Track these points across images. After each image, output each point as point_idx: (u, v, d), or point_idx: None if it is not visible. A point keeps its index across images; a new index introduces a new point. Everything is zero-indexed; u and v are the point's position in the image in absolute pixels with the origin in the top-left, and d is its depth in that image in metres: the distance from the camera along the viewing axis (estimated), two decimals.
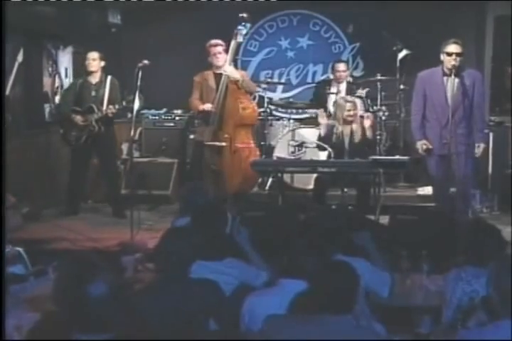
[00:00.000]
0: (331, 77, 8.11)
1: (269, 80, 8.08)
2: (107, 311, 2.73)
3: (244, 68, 8.70)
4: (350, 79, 7.88)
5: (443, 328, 3.26)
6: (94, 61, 6.73)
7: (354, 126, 6.42)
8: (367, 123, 6.44)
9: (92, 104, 6.71)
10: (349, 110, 6.38)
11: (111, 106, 6.64)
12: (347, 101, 6.50)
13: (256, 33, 8.83)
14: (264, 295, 3.23)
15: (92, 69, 6.75)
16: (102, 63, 6.77)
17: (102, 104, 6.72)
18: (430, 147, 5.78)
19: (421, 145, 5.82)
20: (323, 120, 6.71)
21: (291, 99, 8.17)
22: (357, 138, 6.41)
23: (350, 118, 6.37)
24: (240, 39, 6.49)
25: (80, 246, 5.47)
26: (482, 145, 5.81)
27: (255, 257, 3.88)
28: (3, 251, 4.16)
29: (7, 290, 3.35)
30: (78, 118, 6.70)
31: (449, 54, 5.62)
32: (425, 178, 6.64)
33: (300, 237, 3.80)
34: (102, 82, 6.77)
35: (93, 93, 6.77)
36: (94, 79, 6.79)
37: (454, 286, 3.32)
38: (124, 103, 6.56)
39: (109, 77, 6.79)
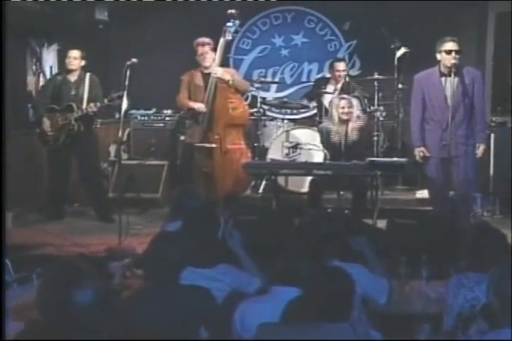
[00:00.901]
0: (327, 75, 8.12)
1: (262, 79, 8.09)
2: (94, 319, 2.73)
3: (236, 67, 8.73)
4: (346, 78, 7.88)
5: (443, 336, 3.27)
6: (75, 60, 6.73)
7: (350, 126, 6.43)
8: (359, 123, 6.46)
9: (72, 103, 6.70)
10: (343, 108, 6.39)
11: (91, 104, 6.63)
12: (341, 98, 6.52)
13: (249, 30, 8.85)
14: (256, 302, 3.23)
15: (71, 67, 6.75)
16: (83, 62, 6.76)
17: (81, 102, 6.71)
18: (428, 155, 5.79)
19: (418, 152, 5.83)
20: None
21: (285, 99, 8.18)
22: (352, 139, 6.41)
23: (344, 117, 6.37)
24: (228, 37, 6.49)
25: (65, 252, 5.45)
26: (483, 147, 5.83)
27: (248, 262, 3.88)
28: (3, 251, 4.20)
29: (7, 290, 3.34)
30: (56, 117, 6.68)
31: (448, 52, 5.62)
32: (424, 181, 6.65)
33: (294, 242, 3.80)
34: (81, 80, 6.76)
35: (72, 91, 6.76)
36: (73, 77, 6.79)
37: (456, 293, 3.33)
38: (105, 101, 6.55)
39: (88, 75, 6.78)
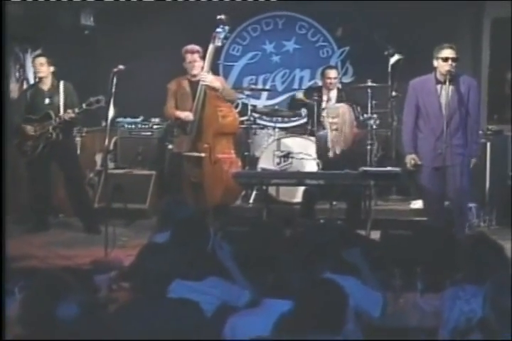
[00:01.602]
0: (319, 83, 8.15)
1: (253, 86, 8.12)
2: (79, 334, 2.72)
3: (226, 73, 8.75)
4: (339, 85, 7.92)
5: None
6: (42, 66, 6.72)
7: (341, 135, 6.44)
8: (352, 132, 6.48)
9: (49, 111, 6.69)
10: (333, 117, 6.41)
11: (69, 111, 6.62)
12: (332, 108, 6.54)
13: (239, 36, 8.88)
14: (247, 315, 3.23)
15: (40, 74, 6.75)
16: (52, 68, 6.75)
17: (58, 110, 6.70)
18: (419, 163, 5.80)
19: (410, 159, 5.84)
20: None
21: (276, 107, 8.21)
22: (345, 148, 6.42)
23: (334, 126, 6.40)
24: (218, 43, 6.50)
25: (49, 264, 5.43)
26: (473, 160, 5.84)
27: (238, 275, 3.88)
28: (3, 251, 4.26)
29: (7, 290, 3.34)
30: (32, 128, 6.67)
31: (444, 59, 5.64)
32: (418, 191, 6.67)
33: (286, 254, 3.80)
34: (54, 88, 6.76)
35: (47, 100, 6.75)
36: (46, 85, 6.78)
37: (452, 305, 3.34)
38: (83, 105, 6.54)
39: (61, 82, 6.78)
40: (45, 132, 6.67)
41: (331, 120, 6.40)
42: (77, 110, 6.60)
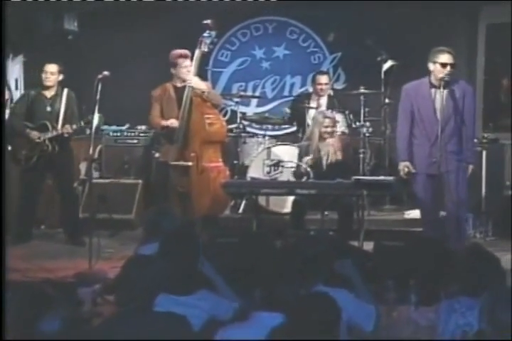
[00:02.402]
0: (310, 89, 8.17)
1: (242, 93, 8.13)
2: None
3: (215, 80, 8.76)
4: (331, 92, 7.94)
5: None
6: (53, 75, 6.69)
7: (333, 143, 6.45)
8: (344, 140, 6.50)
9: (46, 121, 6.68)
10: (326, 127, 6.42)
11: (67, 126, 6.63)
12: (325, 116, 6.54)
13: (228, 41, 8.90)
14: (238, 328, 3.22)
15: (48, 84, 6.72)
16: (61, 77, 6.75)
17: (57, 120, 6.69)
18: (413, 171, 5.81)
19: (403, 167, 5.82)
20: None
21: (266, 114, 8.22)
22: (336, 157, 6.44)
23: (326, 136, 6.41)
24: (204, 48, 6.51)
25: (31, 278, 5.40)
26: (471, 167, 5.84)
27: (224, 289, 3.87)
28: (4, 251, 4.31)
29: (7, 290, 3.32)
30: (32, 135, 6.66)
31: (443, 65, 5.65)
32: (413, 200, 6.69)
33: (277, 266, 3.81)
34: (57, 96, 6.75)
35: (48, 108, 6.74)
36: (50, 92, 6.77)
37: (447, 318, 3.34)
38: (82, 123, 6.56)
39: (65, 90, 6.77)
40: (41, 143, 6.66)
41: (324, 129, 6.40)
42: (74, 127, 6.61)
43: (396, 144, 6.02)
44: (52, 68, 6.69)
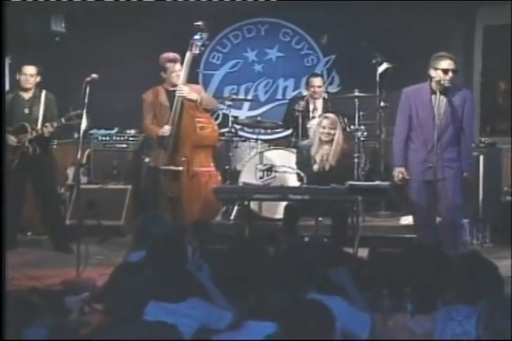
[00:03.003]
0: (304, 92, 8.18)
1: (234, 97, 8.12)
2: None
3: (206, 83, 8.77)
4: (325, 95, 7.95)
5: None
6: (32, 77, 6.68)
7: (329, 147, 6.45)
8: (340, 144, 6.49)
9: (25, 123, 6.66)
10: (324, 127, 6.41)
11: (47, 124, 6.58)
12: (325, 117, 6.52)
13: (219, 43, 8.91)
14: (229, 338, 3.22)
15: (27, 86, 6.70)
16: (38, 78, 6.73)
17: (36, 122, 6.67)
18: (407, 177, 5.82)
19: (398, 173, 5.84)
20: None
21: (259, 118, 8.21)
22: (332, 161, 6.43)
23: (325, 138, 6.39)
24: (195, 51, 6.51)
25: (17, 286, 5.38)
26: (468, 173, 5.86)
27: (218, 296, 3.87)
28: (3, 251, 4.37)
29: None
30: (10, 140, 6.64)
31: (444, 71, 5.66)
32: (407, 206, 6.69)
33: (269, 273, 3.81)
34: (36, 98, 6.73)
35: (26, 110, 6.72)
36: (28, 94, 6.75)
37: (444, 327, 3.35)
38: (62, 120, 6.51)
39: (43, 92, 6.76)
40: (21, 146, 6.63)
41: (321, 130, 6.38)
42: (55, 124, 6.56)
43: (392, 148, 6.03)
44: (30, 70, 6.69)
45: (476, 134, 7.71)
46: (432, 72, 5.72)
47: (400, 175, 5.84)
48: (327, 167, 6.37)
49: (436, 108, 5.71)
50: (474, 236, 6.96)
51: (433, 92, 5.75)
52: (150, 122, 6.67)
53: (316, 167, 6.38)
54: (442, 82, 5.65)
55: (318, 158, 6.40)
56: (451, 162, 5.76)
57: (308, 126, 7.47)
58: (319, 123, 6.47)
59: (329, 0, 8.19)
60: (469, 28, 8.45)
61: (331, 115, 6.55)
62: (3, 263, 4.00)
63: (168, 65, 6.59)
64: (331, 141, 6.38)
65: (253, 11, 8.68)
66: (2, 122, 6.33)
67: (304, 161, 6.48)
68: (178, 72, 6.54)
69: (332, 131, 6.38)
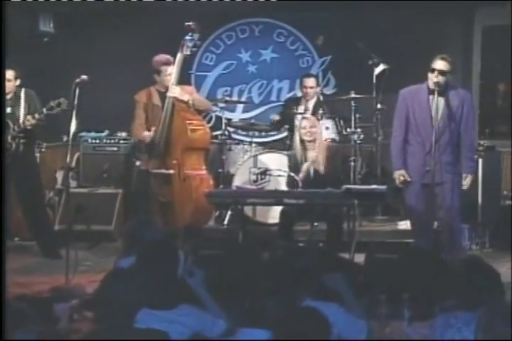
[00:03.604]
0: (299, 94, 8.20)
1: (227, 98, 8.13)
2: None
3: (199, 84, 8.77)
4: (320, 97, 7.96)
5: None
6: (9, 82, 6.65)
7: (318, 149, 6.45)
8: (334, 147, 6.52)
9: (8, 120, 6.63)
10: (304, 128, 6.43)
11: (28, 117, 6.54)
12: (303, 118, 6.59)
13: (212, 44, 8.91)
14: None
15: (6, 90, 6.67)
16: (18, 82, 6.71)
17: (18, 119, 6.65)
18: (408, 179, 5.83)
19: (398, 175, 5.85)
20: None
21: (252, 120, 8.23)
22: (323, 164, 6.44)
23: (308, 138, 6.41)
24: (186, 52, 6.52)
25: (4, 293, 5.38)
26: (470, 177, 5.86)
27: (210, 303, 3.87)
28: (3, 251, 4.37)
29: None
30: None
31: (436, 71, 5.70)
32: (405, 210, 6.70)
33: (264, 279, 3.81)
34: (16, 96, 6.71)
35: (8, 110, 6.71)
36: (8, 95, 6.73)
37: (442, 334, 3.36)
38: (44, 110, 6.48)
39: (23, 90, 6.73)
40: (4, 143, 6.60)
41: (303, 131, 6.42)
42: (37, 116, 6.51)
43: (390, 151, 6.04)
44: (8, 75, 6.66)
45: (475, 137, 7.73)
46: (429, 73, 5.76)
47: (401, 178, 5.85)
48: (318, 169, 6.38)
49: (434, 109, 5.74)
50: (473, 241, 6.98)
51: (430, 93, 5.78)
52: (139, 123, 6.67)
53: (306, 169, 6.39)
54: (434, 82, 5.68)
55: (308, 160, 6.41)
56: (450, 165, 5.77)
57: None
58: (299, 125, 6.52)
59: (325, 0, 8.21)
60: (468, 29, 8.47)
61: (310, 116, 6.70)
62: (3, 263, 3.98)
63: (163, 67, 6.59)
64: (314, 141, 6.41)
65: (247, 11, 8.68)
66: (2, 122, 6.31)
67: (296, 165, 6.49)
68: (169, 76, 6.55)
69: (313, 129, 6.42)
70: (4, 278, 3.54)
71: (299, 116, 7.09)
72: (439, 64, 5.73)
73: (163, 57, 6.62)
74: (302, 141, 6.45)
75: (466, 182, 5.84)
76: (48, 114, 6.45)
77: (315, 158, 6.41)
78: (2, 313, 2.97)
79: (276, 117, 7.96)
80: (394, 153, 5.95)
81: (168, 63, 6.59)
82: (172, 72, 6.55)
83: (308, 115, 6.70)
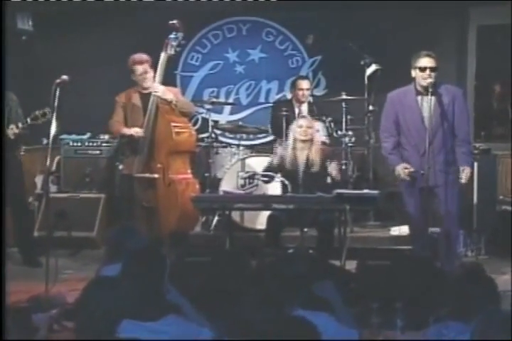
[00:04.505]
0: (288, 96, 8.20)
1: (214, 100, 8.12)
2: None
3: (184, 85, 8.78)
4: (310, 98, 7.97)
5: None
6: None
7: (310, 151, 6.46)
8: (324, 150, 6.52)
9: None
10: (301, 126, 6.44)
11: (12, 126, 6.54)
12: (300, 118, 6.60)
13: (198, 43, 8.92)
14: None
15: None
16: None
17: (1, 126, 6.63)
18: (412, 169, 5.75)
19: (402, 169, 5.77)
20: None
21: (240, 122, 8.23)
22: (315, 167, 6.45)
23: (303, 137, 6.42)
24: (171, 51, 6.51)
25: None
26: (468, 170, 5.76)
27: (191, 311, 3.86)
28: (3, 251, 4.07)
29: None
30: None
31: (422, 69, 5.70)
32: (399, 216, 6.72)
33: (251, 287, 3.80)
34: None
35: None
36: None
37: None
38: (28, 120, 6.47)
39: (5, 93, 6.71)
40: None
41: (298, 130, 6.43)
42: (20, 125, 6.51)
43: (383, 154, 6.02)
44: None
45: (471, 139, 7.75)
46: (413, 72, 5.76)
47: (406, 170, 5.76)
48: (310, 174, 6.39)
49: (424, 110, 5.73)
50: (468, 248, 6.99)
51: (418, 94, 5.77)
52: (116, 120, 6.67)
53: (300, 172, 6.39)
54: (421, 81, 5.68)
55: (300, 158, 6.41)
56: (445, 166, 5.75)
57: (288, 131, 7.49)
58: (296, 123, 6.53)
59: (316, 0, 8.23)
60: (462, 29, 8.50)
61: (307, 115, 6.76)
62: (4, 264, 3.97)
63: (135, 67, 6.59)
64: (308, 141, 6.42)
65: (234, 9, 8.69)
66: (2, 122, 6.30)
67: (282, 165, 6.48)
68: (145, 75, 6.55)
69: (309, 130, 6.43)
70: (4, 280, 3.53)
71: (295, 118, 7.06)
72: (428, 61, 5.71)
73: (136, 56, 6.63)
74: (294, 140, 6.46)
75: (464, 175, 5.74)
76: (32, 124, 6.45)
77: (305, 158, 6.41)
78: (2, 313, 2.95)
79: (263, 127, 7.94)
80: (387, 152, 5.89)
81: (140, 62, 6.57)
82: (142, 71, 6.54)
83: (305, 114, 6.70)
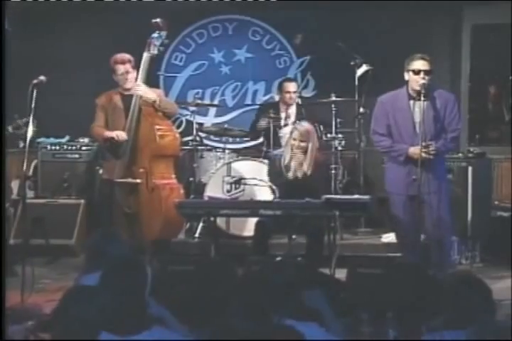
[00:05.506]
0: (276, 98, 8.21)
1: (198, 101, 8.13)
2: None
3: (168, 86, 8.78)
4: (298, 100, 7.98)
5: None
6: None
7: (302, 158, 6.47)
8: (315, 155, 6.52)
9: None
10: (295, 139, 6.44)
11: None
12: (295, 129, 6.55)
13: (182, 43, 8.93)
14: None
15: None
16: None
17: None
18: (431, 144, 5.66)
19: (413, 152, 5.67)
20: None
21: (226, 125, 8.23)
22: (306, 172, 6.45)
23: (297, 150, 6.43)
24: (153, 51, 6.51)
25: None
26: (433, 147, 5.67)
27: (173, 322, 3.85)
28: (3, 251, 4.58)
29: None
30: None
31: (416, 72, 5.72)
32: (391, 222, 6.72)
33: (237, 296, 3.80)
34: None
35: None
36: None
37: None
38: (9, 129, 6.47)
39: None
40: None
41: (291, 141, 6.42)
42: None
43: (379, 148, 6.00)
44: None
45: (464, 143, 7.78)
46: (406, 75, 5.78)
47: (417, 151, 5.63)
48: (300, 176, 6.39)
49: (416, 115, 5.75)
50: (463, 255, 7.01)
51: (410, 98, 5.80)
52: (98, 125, 6.66)
53: (290, 175, 6.39)
54: (414, 84, 5.70)
55: (292, 167, 6.42)
56: (437, 172, 5.78)
57: (280, 134, 7.51)
58: (290, 134, 6.51)
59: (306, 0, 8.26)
60: (456, 28, 8.54)
61: (303, 126, 6.53)
62: (3, 264, 3.95)
63: (116, 66, 6.58)
64: (304, 152, 6.42)
65: (219, 8, 8.69)
66: (2, 122, 6.30)
67: (277, 172, 6.50)
68: (126, 75, 6.55)
69: (303, 144, 6.41)
70: (4, 280, 3.51)
71: (293, 124, 7.03)
72: (422, 64, 5.74)
73: (118, 55, 6.62)
74: (291, 149, 6.44)
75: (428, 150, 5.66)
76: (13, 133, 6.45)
77: (300, 164, 6.41)
78: (2, 313, 2.93)
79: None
80: (387, 147, 5.89)
81: (122, 62, 6.57)
82: (123, 71, 6.53)
83: (301, 126, 6.55)
